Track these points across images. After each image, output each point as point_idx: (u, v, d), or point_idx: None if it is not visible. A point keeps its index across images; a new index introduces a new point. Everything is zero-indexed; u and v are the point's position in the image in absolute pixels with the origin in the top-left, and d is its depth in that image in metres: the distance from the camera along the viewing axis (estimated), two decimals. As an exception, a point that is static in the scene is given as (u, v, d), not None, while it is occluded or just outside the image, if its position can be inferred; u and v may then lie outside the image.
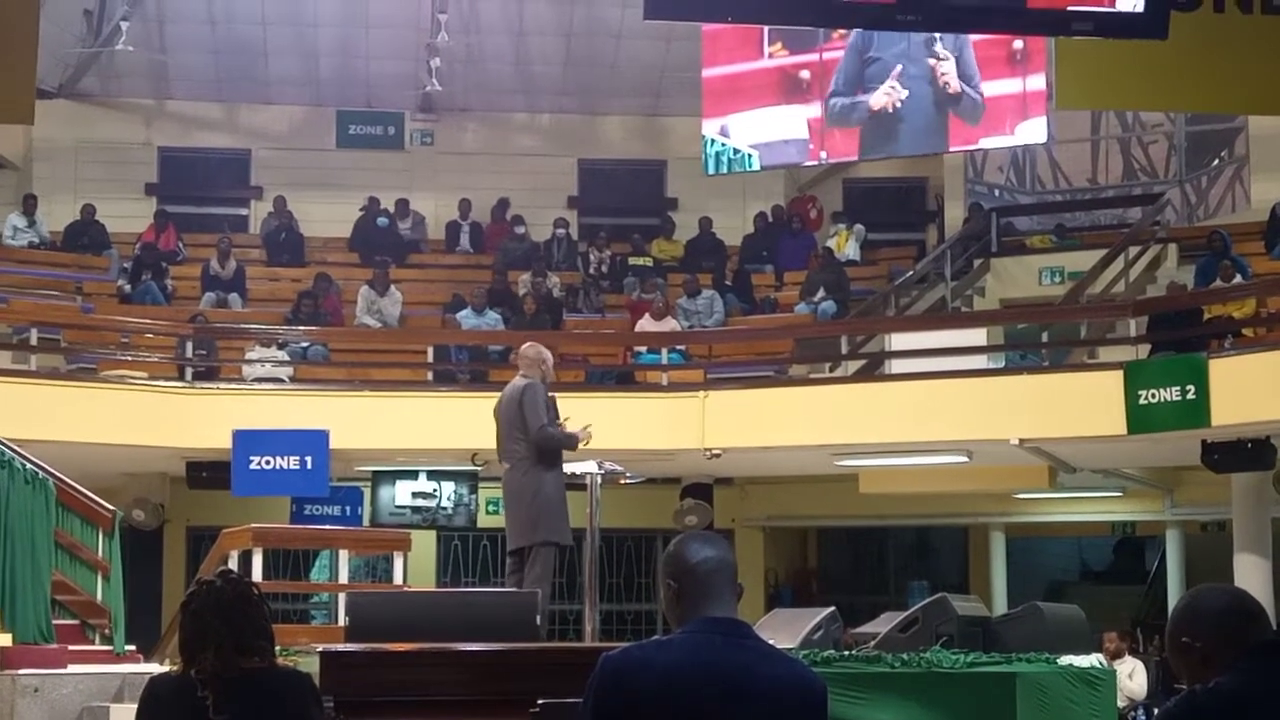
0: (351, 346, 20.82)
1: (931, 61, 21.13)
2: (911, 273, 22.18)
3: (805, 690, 4.12)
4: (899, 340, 19.04)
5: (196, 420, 17.47)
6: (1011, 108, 20.79)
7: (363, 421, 17.75)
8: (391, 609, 8.44)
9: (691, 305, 21.75)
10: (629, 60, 24.49)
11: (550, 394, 11.16)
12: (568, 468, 10.87)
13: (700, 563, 4.20)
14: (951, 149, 22.23)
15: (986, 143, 21.99)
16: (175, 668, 5.24)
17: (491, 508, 20.70)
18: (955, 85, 21.04)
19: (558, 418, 10.97)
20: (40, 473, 12.61)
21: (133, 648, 13.10)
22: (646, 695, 3.98)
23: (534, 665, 7.37)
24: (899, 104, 21.30)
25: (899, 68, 21.22)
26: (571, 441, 10.82)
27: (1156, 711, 5.95)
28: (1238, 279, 19.09)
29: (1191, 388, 15.73)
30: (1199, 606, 4.05)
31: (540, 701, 6.94)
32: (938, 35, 20.45)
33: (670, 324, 21.08)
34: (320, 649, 7.52)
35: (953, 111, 21.14)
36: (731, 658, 4.06)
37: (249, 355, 19.51)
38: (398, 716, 7.22)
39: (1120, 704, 13.42)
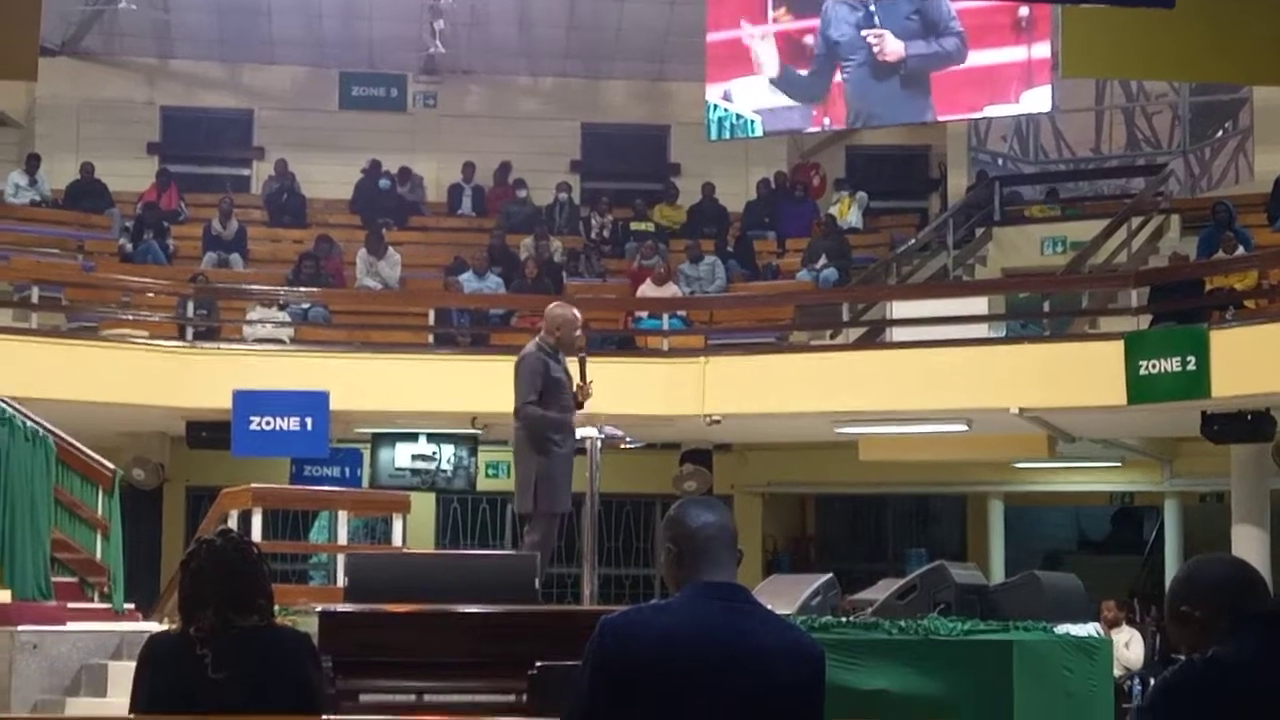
0: (352, 308, 20.80)
1: (868, 38, 21.20)
2: (913, 241, 22.15)
3: (803, 655, 4.13)
4: (900, 308, 19.04)
5: (197, 380, 17.47)
6: (1016, 75, 20.74)
7: (363, 383, 17.76)
8: (390, 570, 8.44)
9: (693, 271, 21.73)
10: (633, 24, 24.42)
11: (582, 354, 10.83)
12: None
13: (700, 527, 4.21)
14: (940, 117, 22.15)
15: (991, 111, 21.94)
16: (174, 626, 5.25)
17: (491, 471, 20.76)
18: (896, 51, 21.03)
19: (568, 385, 10.60)
20: (40, 430, 12.62)
21: (131, 606, 13.14)
22: (645, 659, 3.99)
23: (532, 628, 7.38)
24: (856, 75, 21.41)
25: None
26: (550, 423, 10.35)
27: (1154, 681, 5.96)
28: (1240, 250, 19.06)
29: (1192, 359, 15.73)
30: (1198, 576, 4.06)
31: (538, 664, 6.96)
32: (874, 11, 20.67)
33: (671, 289, 21.06)
34: (319, 609, 7.54)
35: (920, 70, 21.14)
36: (730, 622, 4.06)
37: (250, 316, 19.50)
38: (396, 677, 7.23)
39: (1117, 673, 13.44)
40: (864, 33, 21.17)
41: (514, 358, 10.78)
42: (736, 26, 21.85)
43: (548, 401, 10.37)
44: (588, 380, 10.55)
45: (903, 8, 21.12)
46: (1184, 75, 12.24)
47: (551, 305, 11.15)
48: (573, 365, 10.58)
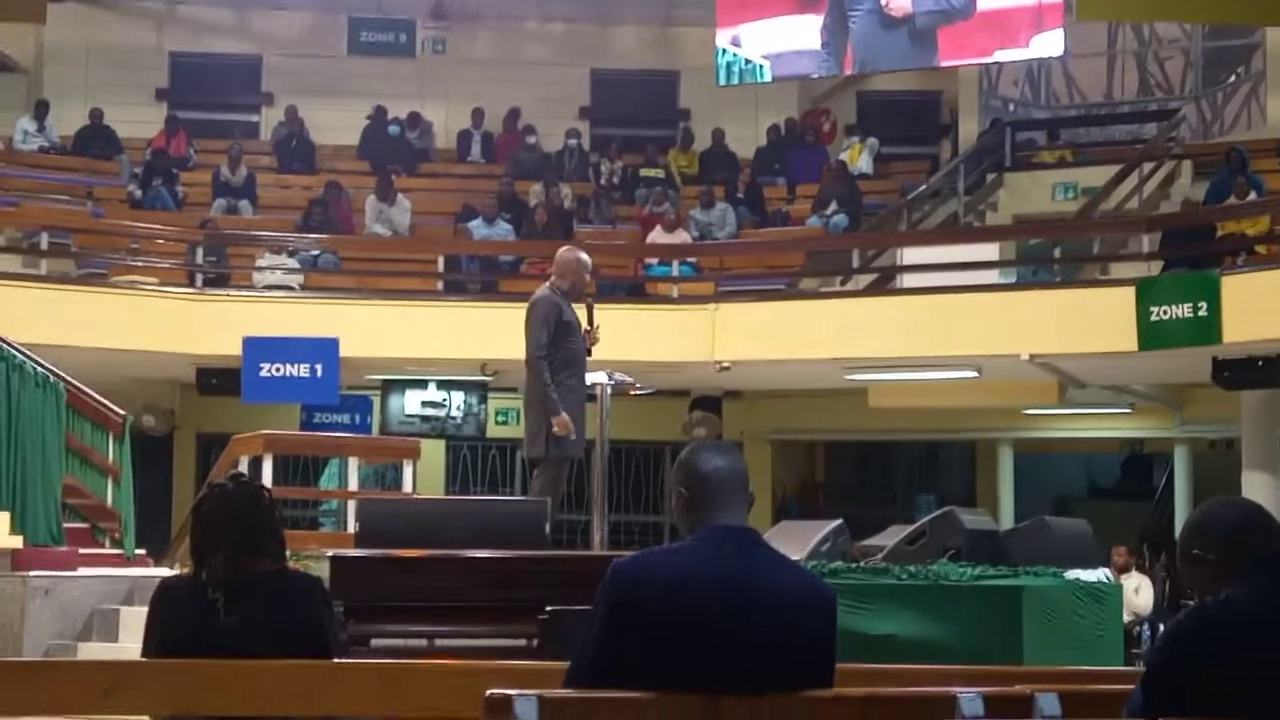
0: (362, 255, 20.78)
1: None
2: (924, 187, 22.07)
3: (815, 598, 4.13)
4: (910, 254, 18.98)
5: (207, 327, 17.49)
6: (1026, 20, 20.60)
7: (373, 330, 17.77)
8: (401, 516, 8.45)
9: (703, 217, 21.69)
10: (642, -32, 24.34)
11: (590, 299, 10.79)
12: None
13: (712, 471, 4.21)
14: (946, 63, 22.04)
15: (1001, 56, 21.82)
16: (186, 570, 5.26)
17: (501, 418, 20.77)
18: (903, 6, 20.88)
19: (578, 329, 10.54)
20: (51, 376, 12.64)
21: (142, 552, 13.18)
22: (656, 602, 3.99)
23: (543, 572, 7.39)
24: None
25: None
26: (549, 404, 10.21)
27: (1165, 625, 5.94)
28: (1252, 196, 19.00)
29: (1203, 304, 15.70)
30: (1211, 518, 4.05)
31: (549, 608, 6.97)
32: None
33: (682, 236, 21.02)
34: (330, 554, 7.55)
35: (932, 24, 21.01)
36: (741, 565, 4.06)
37: (259, 262, 19.49)
38: (406, 622, 7.25)
39: (1126, 619, 13.46)
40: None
41: (524, 304, 10.73)
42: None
43: (560, 345, 10.36)
44: (595, 325, 10.55)
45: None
46: (1198, 17, 12.21)
47: (562, 249, 11.13)
48: (580, 310, 10.57)
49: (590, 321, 10.53)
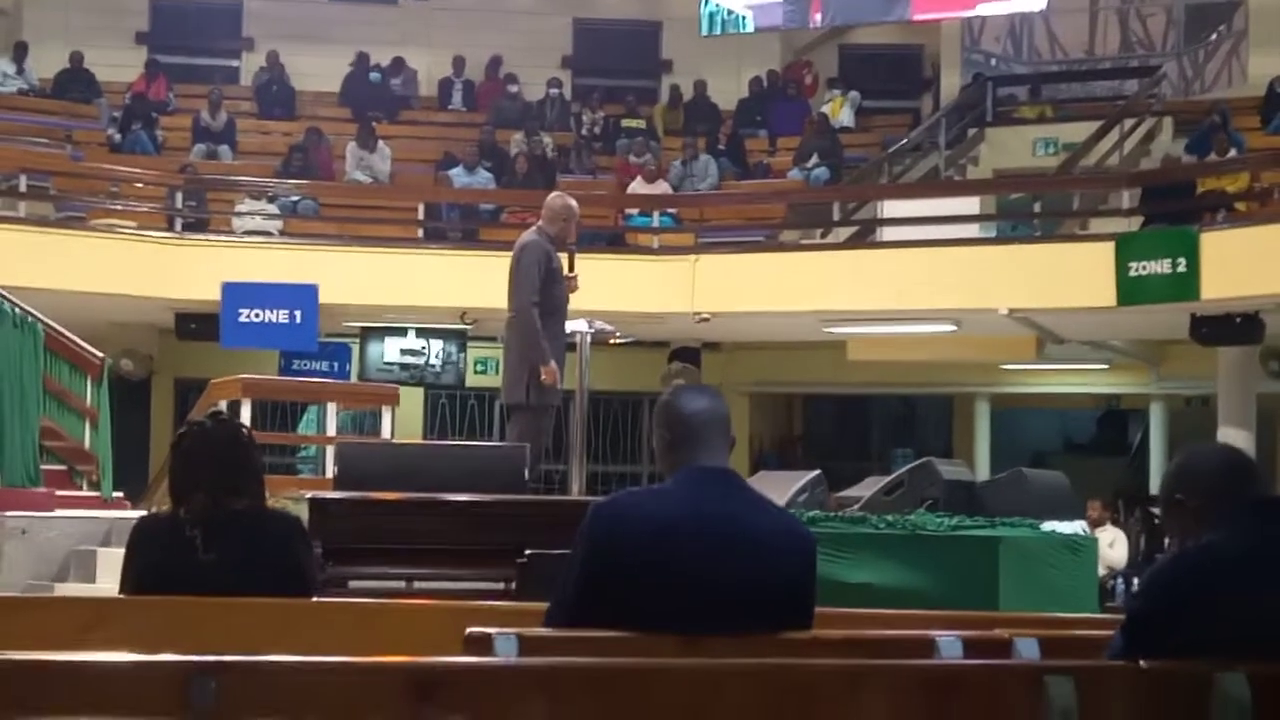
0: (342, 201, 20.73)
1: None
2: (905, 141, 22.06)
3: (796, 540, 4.15)
4: (891, 208, 18.98)
5: (185, 271, 17.43)
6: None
7: (352, 277, 17.72)
8: (380, 459, 8.45)
9: (684, 169, 21.65)
10: (626, -84, 24.25)
11: (572, 247, 10.69)
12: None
13: (694, 413, 4.21)
14: (919, 16, 21.98)
15: (983, 9, 21.77)
16: (165, 508, 5.25)
17: (480, 367, 20.75)
18: None
19: (563, 274, 10.52)
20: (29, 317, 12.59)
21: (120, 495, 13.17)
22: (637, 542, 3.99)
23: (521, 516, 7.40)
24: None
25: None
26: (538, 353, 10.13)
27: (1139, 578, 5.96)
28: (1232, 153, 19.01)
29: (1182, 260, 15.73)
30: (1193, 464, 4.05)
31: (527, 551, 6.98)
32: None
33: (662, 187, 20.99)
34: (309, 495, 7.55)
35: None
36: (722, 507, 4.07)
37: (239, 208, 19.43)
38: (385, 564, 7.27)
39: (1100, 572, 13.50)
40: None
41: (504, 253, 10.72)
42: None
43: (546, 292, 10.32)
44: (575, 273, 10.52)
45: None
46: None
47: (552, 195, 11.08)
48: (563, 258, 10.54)
49: (571, 268, 10.50)
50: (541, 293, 10.27)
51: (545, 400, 10.36)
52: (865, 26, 23.34)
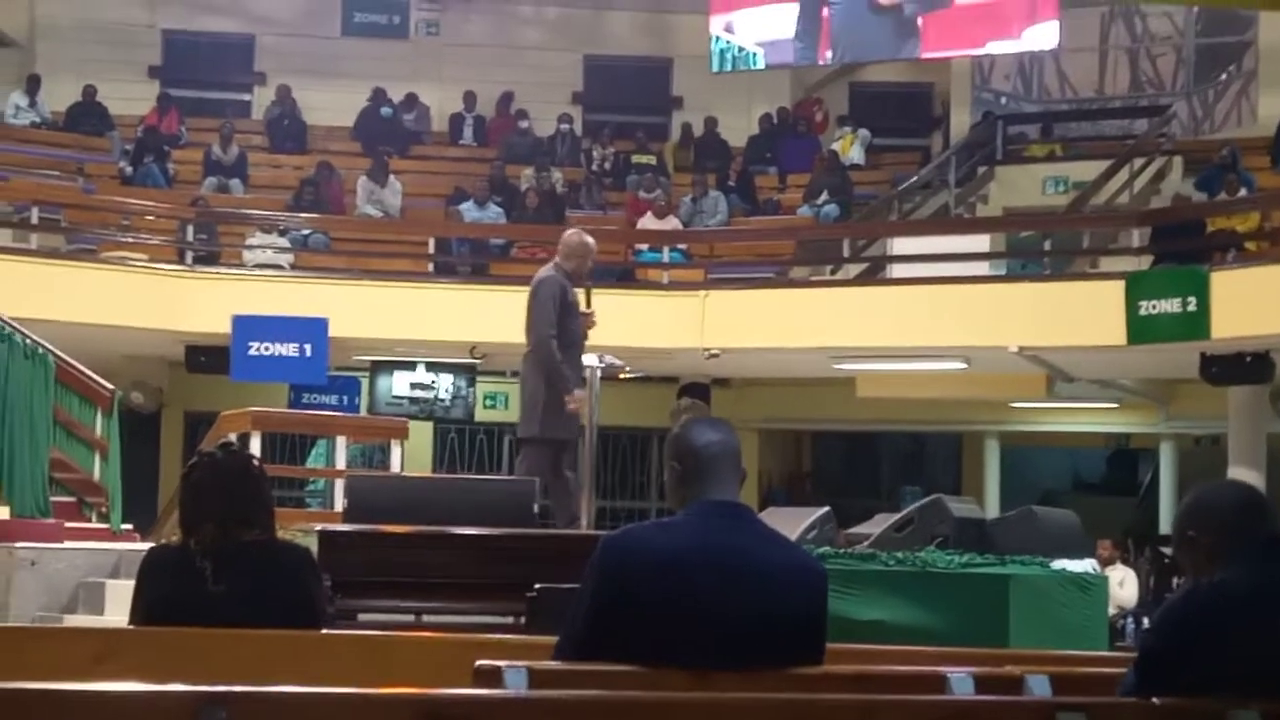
0: (352, 235, 20.77)
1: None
2: (915, 178, 22.09)
3: (806, 574, 4.14)
4: (900, 245, 19.01)
5: (196, 304, 17.46)
6: (1019, 11, 20.56)
7: (362, 311, 17.73)
8: (390, 492, 8.45)
9: (694, 205, 21.68)
10: (638, -47, 24.32)
11: (588, 283, 10.71)
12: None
13: (705, 446, 4.20)
14: (930, 54, 22.01)
15: (993, 47, 21.80)
16: (175, 539, 5.24)
17: (489, 401, 20.75)
18: None
19: (579, 310, 10.56)
20: (40, 349, 12.60)
21: (129, 527, 13.16)
22: (647, 575, 3.98)
23: (531, 549, 7.40)
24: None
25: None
26: (562, 381, 10.26)
27: (1156, 610, 5.92)
28: (1242, 193, 19.02)
29: (1193, 299, 15.72)
30: (1206, 501, 4.04)
31: (537, 585, 6.97)
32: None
33: (673, 223, 21.01)
34: (318, 528, 7.55)
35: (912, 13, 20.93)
36: (733, 540, 4.06)
37: (249, 241, 19.46)
38: (394, 597, 7.26)
39: (1110, 612, 13.47)
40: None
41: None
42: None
43: (562, 326, 10.37)
44: (591, 309, 10.57)
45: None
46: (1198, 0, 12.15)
47: (569, 231, 11.15)
48: (580, 293, 10.59)
49: (588, 304, 10.55)
50: (558, 326, 10.32)
51: (556, 434, 10.38)
52: (875, 64, 23.29)
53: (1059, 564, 9.35)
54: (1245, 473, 17.16)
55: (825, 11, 21.48)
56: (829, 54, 21.92)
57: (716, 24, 21.80)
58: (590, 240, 10.82)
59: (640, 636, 3.95)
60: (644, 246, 20.52)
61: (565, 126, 23.97)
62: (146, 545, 11.70)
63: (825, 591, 4.15)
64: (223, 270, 18.47)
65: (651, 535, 4.15)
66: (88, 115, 22.89)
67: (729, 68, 22.14)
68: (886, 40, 21.41)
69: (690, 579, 3.97)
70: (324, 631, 4.98)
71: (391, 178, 21.51)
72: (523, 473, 10.33)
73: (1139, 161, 21.04)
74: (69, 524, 12.34)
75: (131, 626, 5.02)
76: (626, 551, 4.05)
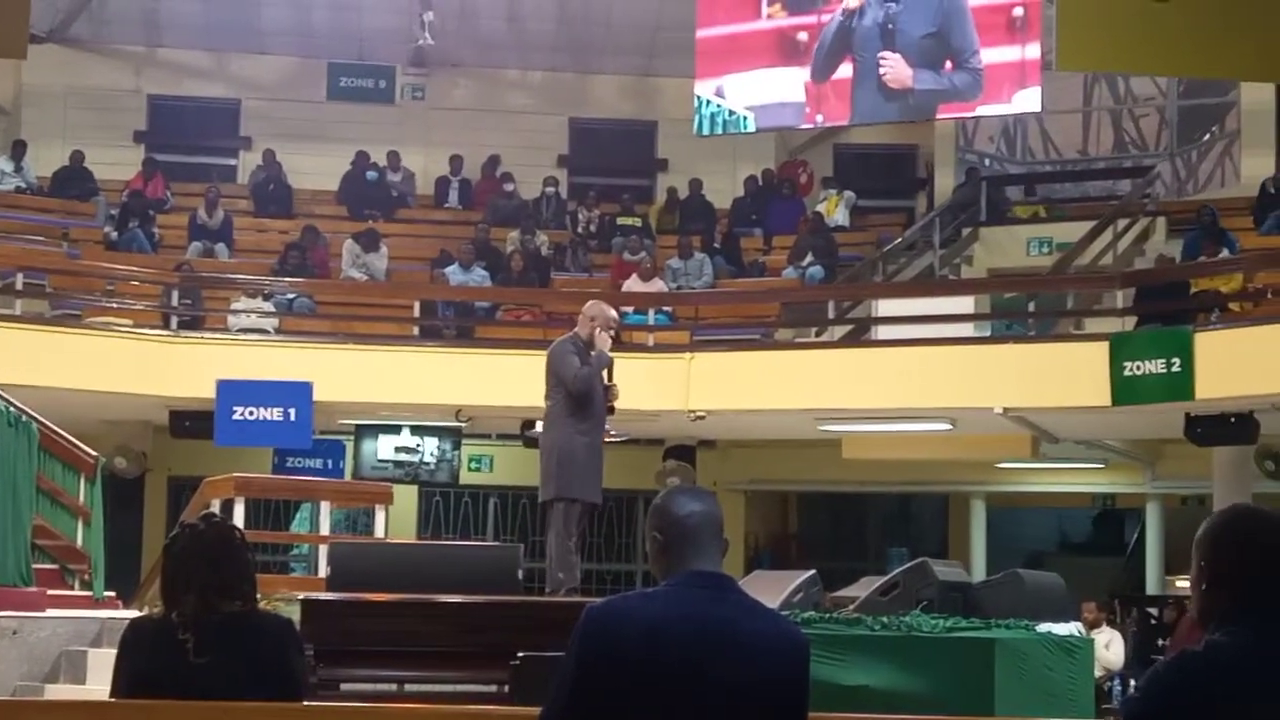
0: (338, 299, 20.76)
1: (880, 55, 20.99)
2: (900, 240, 22.16)
3: (790, 645, 4.11)
4: (886, 306, 19.03)
5: (180, 369, 17.43)
6: (1010, 76, 20.65)
7: (347, 375, 17.72)
8: (373, 559, 8.43)
9: (680, 267, 21.72)
10: (622, 18, 24.41)
11: (609, 357, 10.65)
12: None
13: (687, 516, 4.19)
14: (940, 116, 22.09)
15: (983, 110, 21.89)
16: (156, 611, 5.21)
17: (474, 464, 20.73)
18: (902, 80, 20.85)
19: (603, 384, 10.57)
20: (23, 416, 12.57)
21: (112, 594, 13.10)
22: (630, 646, 3.97)
23: (514, 617, 7.38)
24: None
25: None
26: (601, 362, 10.46)
27: (1144, 673, 5.87)
28: (1225, 254, 19.09)
29: (1177, 360, 15.75)
30: (1221, 528, 3.92)
31: (520, 654, 6.94)
32: (892, 26, 20.49)
33: (658, 285, 21.04)
34: (301, 597, 7.51)
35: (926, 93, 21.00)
36: (716, 611, 4.04)
37: (234, 306, 19.46)
38: (377, 666, 7.22)
39: (1097, 674, 13.44)
40: (878, 55, 20.91)
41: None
42: (727, 22, 21.71)
43: (582, 400, 10.39)
44: (614, 383, 10.58)
45: (924, 18, 20.77)
46: (1180, 70, 12.22)
47: (591, 302, 11.15)
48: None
49: (610, 377, 10.55)
50: (575, 400, 10.35)
51: (571, 494, 10.39)
52: (859, 127, 23.35)
53: (1044, 627, 9.36)
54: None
55: (846, 70, 21.37)
56: (819, 117, 21.92)
57: (704, 88, 21.85)
58: (611, 313, 10.86)
59: (623, 707, 3.94)
60: (629, 309, 20.53)
61: (550, 189, 24.04)
62: (129, 613, 11.68)
63: (807, 662, 4.13)
64: (207, 335, 18.46)
65: (634, 605, 4.13)
66: (74, 180, 22.92)
67: (719, 131, 22.16)
68: (881, 105, 21.44)
69: (672, 649, 3.96)
70: (305, 704, 4.95)
71: (380, 242, 21.54)
72: (550, 537, 10.35)
73: (1123, 222, 21.12)
74: (51, 591, 12.28)
75: (113, 700, 4.99)
76: (609, 621, 4.03)
